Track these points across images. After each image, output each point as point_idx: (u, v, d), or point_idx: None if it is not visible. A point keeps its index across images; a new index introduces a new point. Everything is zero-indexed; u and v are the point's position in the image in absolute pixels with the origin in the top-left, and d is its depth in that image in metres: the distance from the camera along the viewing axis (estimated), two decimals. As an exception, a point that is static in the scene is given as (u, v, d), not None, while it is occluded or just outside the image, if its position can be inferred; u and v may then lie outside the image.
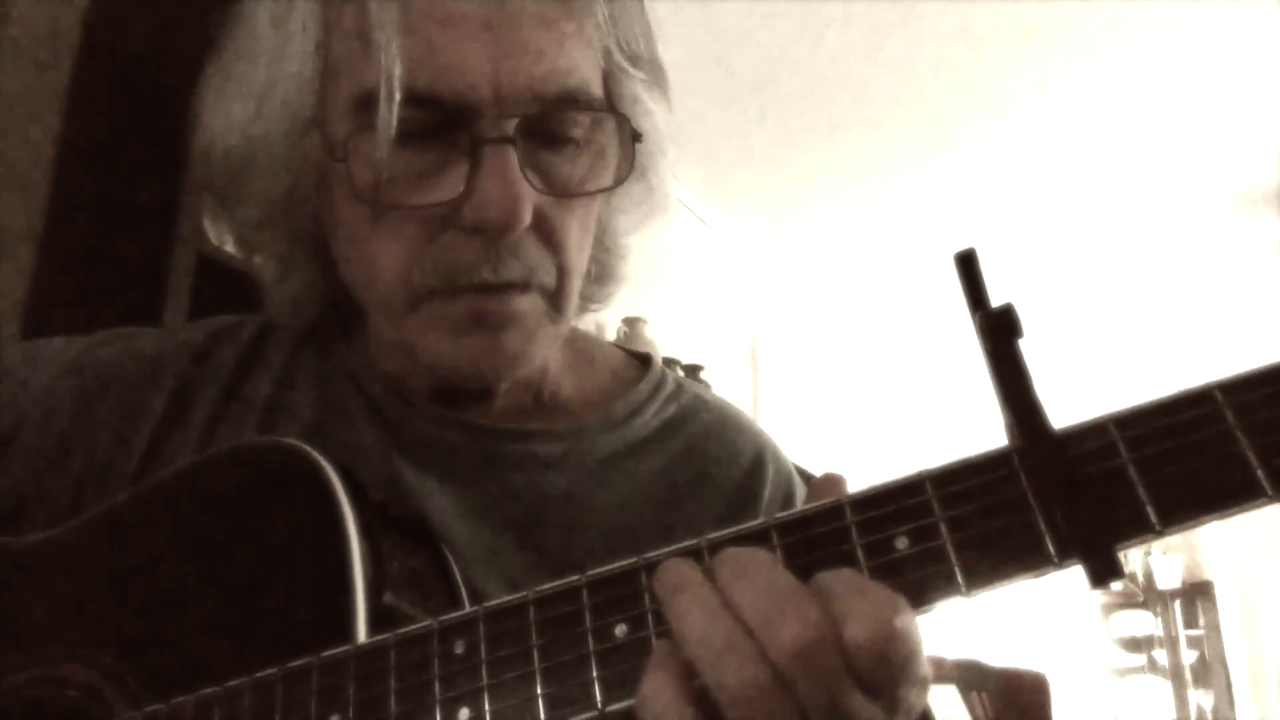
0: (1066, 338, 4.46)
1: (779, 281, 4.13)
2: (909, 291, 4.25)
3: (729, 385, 3.55)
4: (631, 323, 2.83)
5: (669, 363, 2.77)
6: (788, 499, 0.73)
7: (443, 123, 0.58)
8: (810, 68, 2.88)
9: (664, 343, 2.86)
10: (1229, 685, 5.43)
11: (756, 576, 0.42)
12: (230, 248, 1.71)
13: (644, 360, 0.79)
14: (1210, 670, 5.57)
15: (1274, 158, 3.23)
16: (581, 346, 0.77)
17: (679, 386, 0.77)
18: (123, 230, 1.60)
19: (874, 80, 2.96)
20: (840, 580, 0.42)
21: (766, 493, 0.72)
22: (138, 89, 1.70)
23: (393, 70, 0.56)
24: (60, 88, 1.74)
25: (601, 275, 0.73)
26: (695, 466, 0.72)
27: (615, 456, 0.71)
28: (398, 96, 0.56)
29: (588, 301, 0.74)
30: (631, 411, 0.73)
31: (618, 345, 0.83)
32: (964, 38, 2.77)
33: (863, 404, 4.97)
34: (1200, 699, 5.53)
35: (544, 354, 0.67)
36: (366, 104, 0.58)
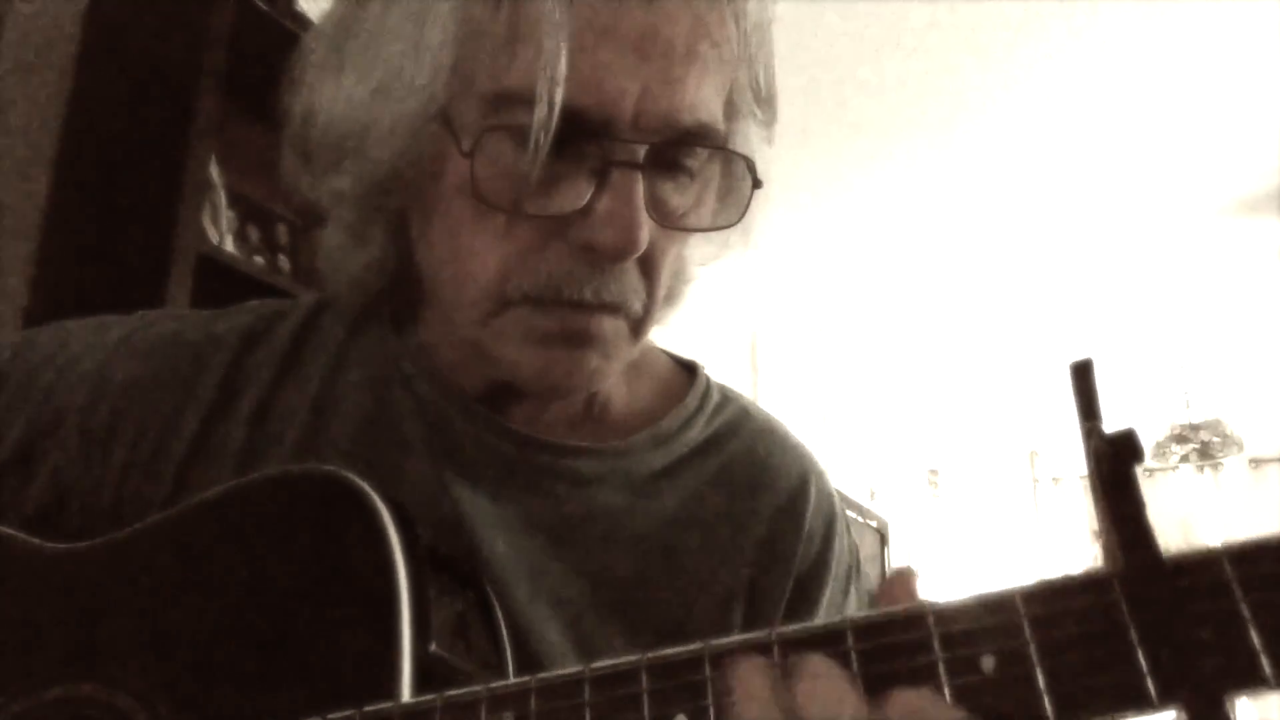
0: (1067, 341, 4.46)
1: (779, 281, 4.13)
2: (910, 291, 4.25)
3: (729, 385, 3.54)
4: (631, 323, 2.83)
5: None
6: (829, 523, 0.72)
7: (574, 133, 0.57)
8: (810, 69, 2.88)
9: (663, 343, 2.86)
10: (1229, 685, 5.44)
11: (830, 701, 0.40)
12: (228, 243, 1.71)
13: (689, 367, 0.78)
14: (1210, 670, 5.57)
15: (1275, 161, 3.23)
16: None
17: (724, 398, 0.76)
18: (123, 230, 1.60)
19: (874, 82, 2.96)
20: (918, 712, 0.40)
21: (809, 515, 0.71)
22: (138, 89, 1.70)
23: (556, 79, 0.55)
24: (60, 88, 1.75)
25: (669, 298, 0.72)
26: (738, 485, 0.71)
27: (661, 473, 0.70)
28: (559, 106, 0.55)
29: None
30: (679, 427, 0.72)
31: (664, 351, 0.81)
32: (965, 41, 2.77)
33: (863, 404, 4.98)
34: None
35: (615, 373, 0.66)
36: (502, 102, 0.56)
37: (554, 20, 0.56)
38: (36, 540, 0.65)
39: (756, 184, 0.63)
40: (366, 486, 0.57)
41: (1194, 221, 3.69)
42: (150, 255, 1.54)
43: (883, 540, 4.60)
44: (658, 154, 0.59)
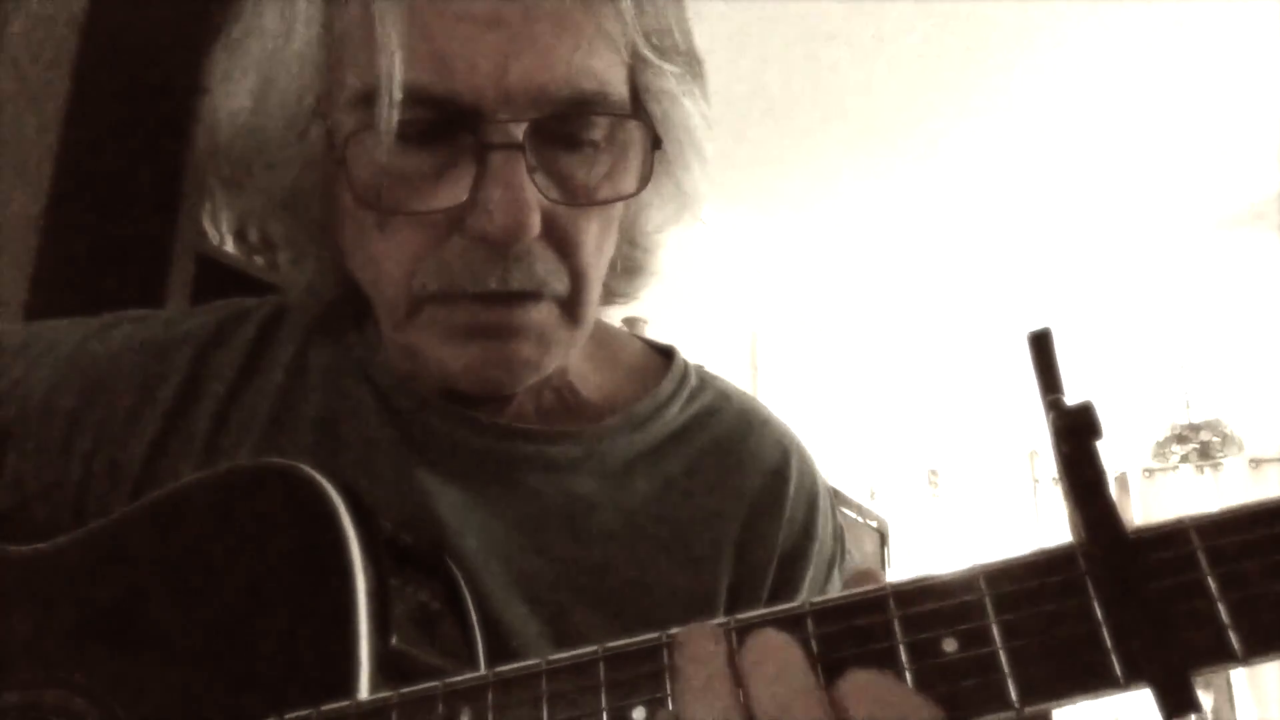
0: (1067, 341, 4.45)
1: (779, 281, 4.12)
2: (910, 292, 4.25)
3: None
4: (630, 323, 2.83)
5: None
6: (811, 503, 0.71)
7: (447, 123, 0.55)
8: (810, 69, 2.88)
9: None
10: (1229, 685, 5.43)
11: (779, 669, 0.39)
12: (228, 243, 1.72)
13: (666, 353, 0.76)
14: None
15: (1275, 166, 3.23)
16: (604, 340, 0.74)
17: (702, 382, 0.75)
18: (123, 229, 1.60)
19: (873, 81, 2.96)
20: (870, 691, 0.39)
21: (790, 496, 0.70)
22: (138, 89, 1.70)
23: (393, 67, 0.53)
24: (60, 87, 1.74)
25: (630, 269, 0.70)
26: (717, 469, 0.69)
27: (637, 459, 0.68)
28: (398, 96, 0.53)
29: (614, 295, 0.71)
30: (654, 411, 0.70)
31: (639, 337, 0.80)
32: (964, 42, 2.77)
33: (863, 404, 4.97)
34: (1200, 699, 5.53)
35: (560, 361, 0.65)
36: (368, 101, 0.55)
37: (389, 8, 0.54)
38: None
39: (656, 144, 0.61)
40: (320, 477, 0.56)
41: (1194, 222, 3.69)
42: (150, 255, 1.54)
43: (883, 540, 4.59)
44: (543, 128, 0.56)
